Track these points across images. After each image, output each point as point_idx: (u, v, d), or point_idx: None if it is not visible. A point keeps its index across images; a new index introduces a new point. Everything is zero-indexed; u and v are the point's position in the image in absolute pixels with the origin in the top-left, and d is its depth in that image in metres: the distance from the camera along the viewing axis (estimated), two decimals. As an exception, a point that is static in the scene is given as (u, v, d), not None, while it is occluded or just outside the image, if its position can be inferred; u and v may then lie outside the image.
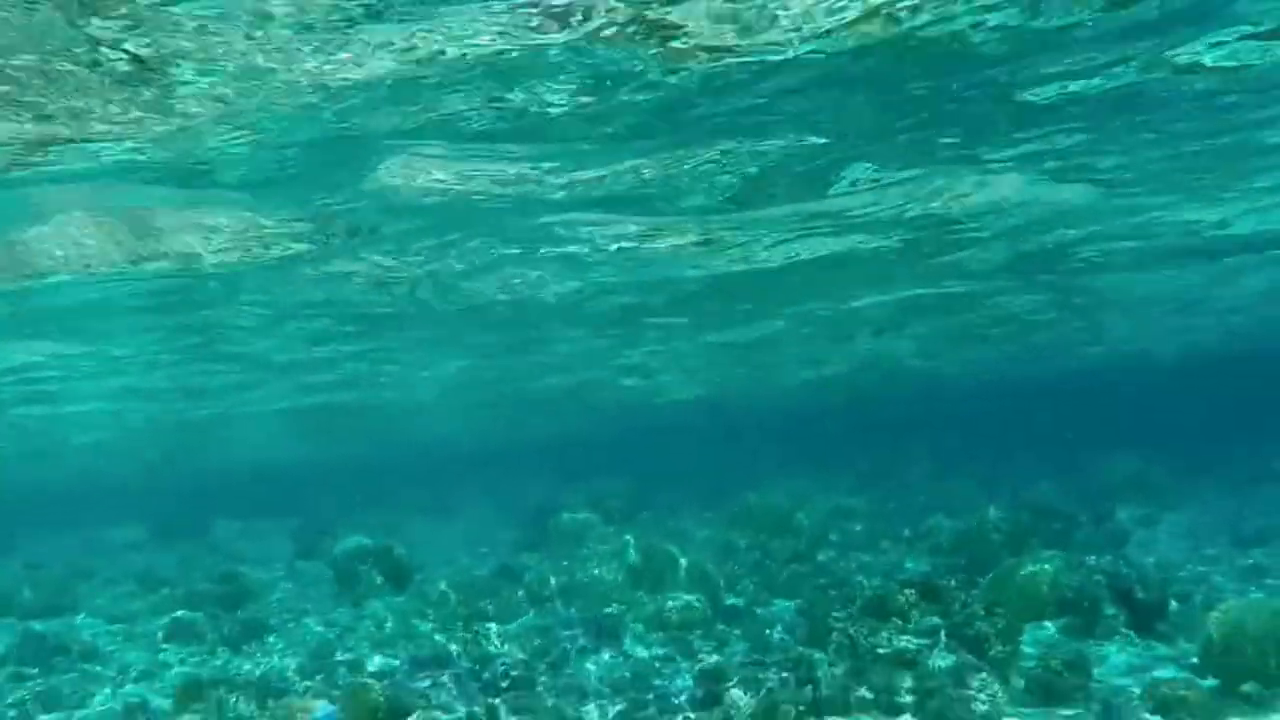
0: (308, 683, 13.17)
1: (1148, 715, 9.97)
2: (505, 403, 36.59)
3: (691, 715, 11.13)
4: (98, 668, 15.48)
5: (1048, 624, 14.49)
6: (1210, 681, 11.31)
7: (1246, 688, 11.00)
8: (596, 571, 19.12)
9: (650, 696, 11.64)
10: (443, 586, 18.86)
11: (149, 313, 17.81)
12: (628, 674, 13.36)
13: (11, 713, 12.89)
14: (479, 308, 20.69)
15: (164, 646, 16.56)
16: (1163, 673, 12.06)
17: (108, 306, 16.88)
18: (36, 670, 15.20)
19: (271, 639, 16.68)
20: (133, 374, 24.13)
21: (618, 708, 11.55)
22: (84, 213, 12.51)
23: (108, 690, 14.07)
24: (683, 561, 18.88)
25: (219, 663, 15.26)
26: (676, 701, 11.50)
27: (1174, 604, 14.20)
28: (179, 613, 18.44)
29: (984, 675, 10.89)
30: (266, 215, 13.34)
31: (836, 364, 34.13)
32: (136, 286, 15.78)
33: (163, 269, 14.50)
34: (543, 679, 12.63)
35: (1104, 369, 45.18)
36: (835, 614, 13.02)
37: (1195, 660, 12.27)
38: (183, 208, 12.69)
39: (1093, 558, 16.38)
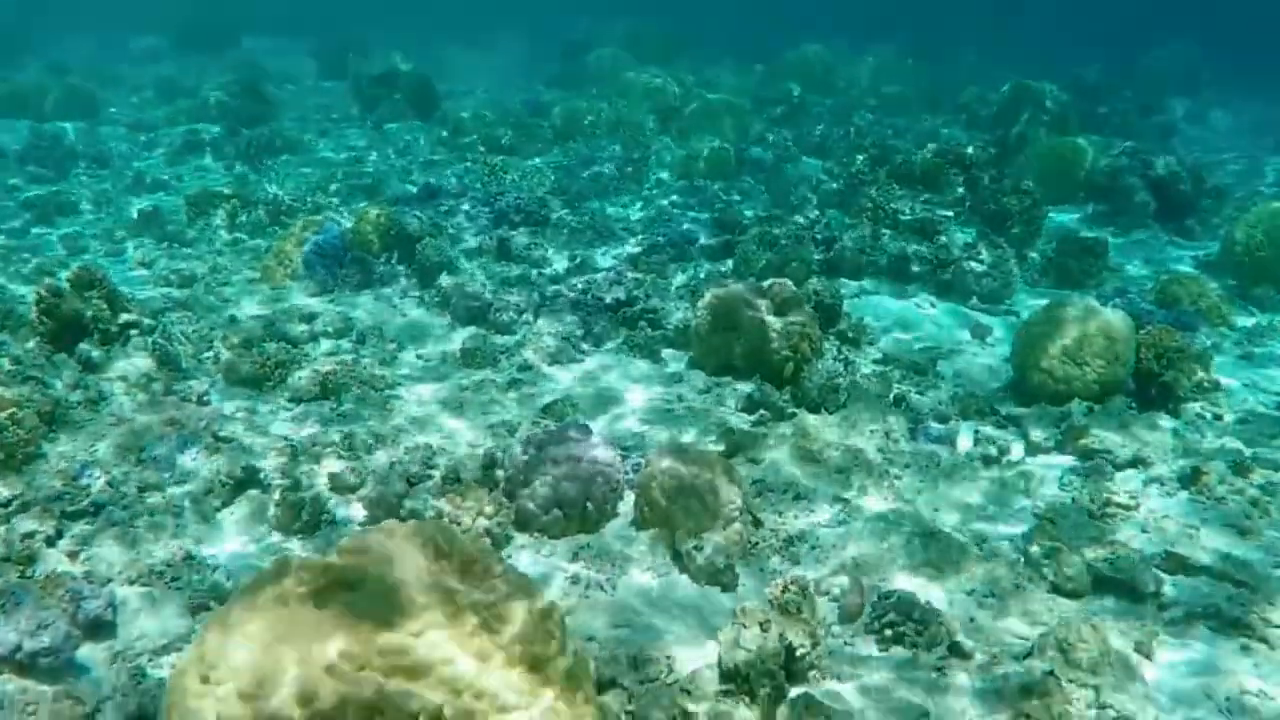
0: (320, 201, 13.20)
1: (1154, 307, 9.94)
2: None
3: (704, 263, 11.19)
4: (111, 174, 15.47)
5: (1075, 207, 14.26)
6: (1225, 281, 11.23)
7: (1259, 290, 10.93)
8: (625, 111, 18.71)
9: (662, 240, 11.63)
10: (466, 115, 18.53)
11: None
12: (647, 215, 13.37)
13: (28, 213, 12.99)
14: None
15: (181, 158, 16.46)
16: (1180, 267, 11.98)
17: None
18: (52, 173, 15.22)
19: (288, 156, 16.55)
20: None
21: (632, 250, 11.60)
22: None
23: (122, 196, 14.15)
24: (714, 109, 18.41)
25: (234, 177, 15.20)
26: (691, 248, 11.51)
27: (1207, 201, 13.86)
28: (198, 125, 18.28)
29: (1001, 251, 10.80)
30: None
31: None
32: None
33: None
34: (560, 215, 12.61)
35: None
36: (863, 176, 12.76)
37: (1214, 258, 12.16)
38: None
39: (1132, 145, 15.85)
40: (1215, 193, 14.09)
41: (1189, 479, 6.74)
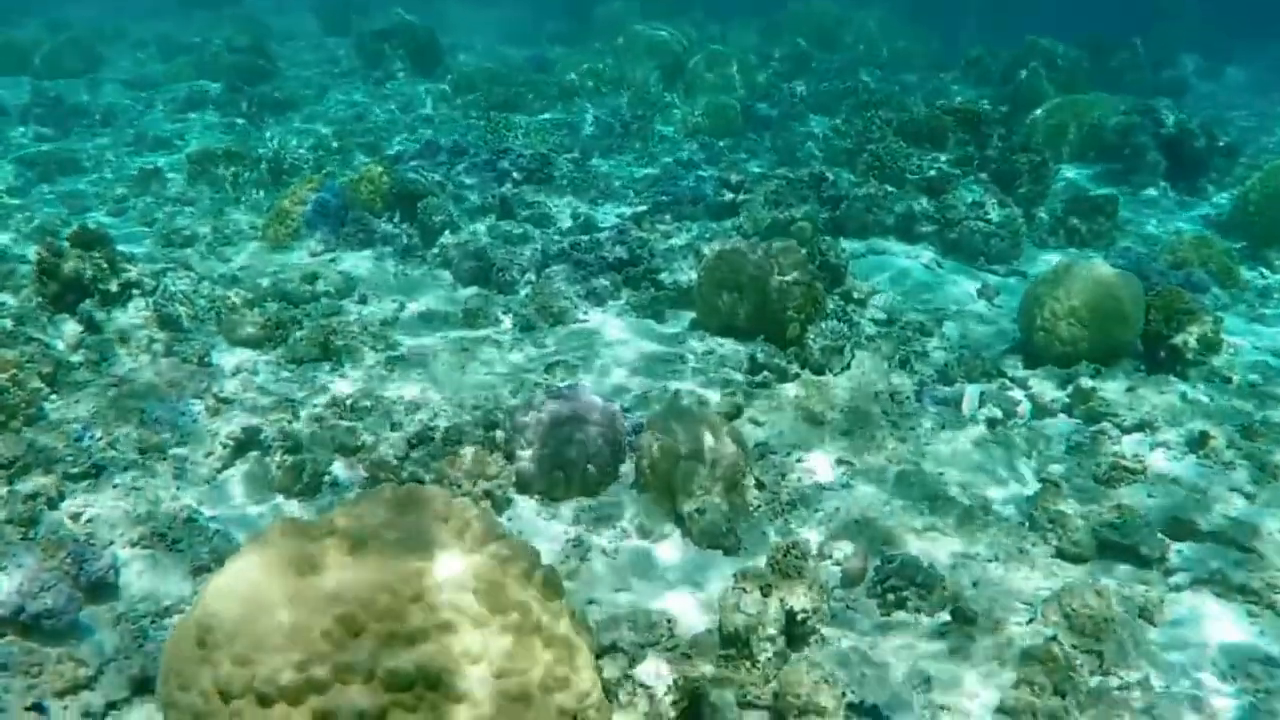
0: (322, 158, 13.09)
1: (1164, 267, 9.84)
2: None
3: (708, 222, 11.08)
4: (113, 131, 15.30)
5: (1085, 166, 14.10)
6: (1236, 241, 11.11)
7: (1270, 251, 10.83)
8: (630, 69, 18.51)
9: (667, 198, 11.52)
10: (470, 72, 18.35)
11: None
12: (652, 173, 13.24)
13: (30, 172, 12.85)
14: None
15: (183, 116, 16.29)
16: (1191, 227, 11.85)
17: None
18: (53, 131, 15.06)
19: (290, 114, 16.37)
20: None
21: (636, 208, 11.50)
22: None
23: (123, 154, 14.01)
24: (720, 65, 18.19)
25: (236, 134, 15.00)
26: (695, 206, 11.39)
27: (1219, 159, 13.68)
28: (200, 82, 18.06)
29: (1009, 211, 10.68)
30: None
31: None
32: None
33: None
34: (564, 173, 12.49)
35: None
36: (870, 133, 12.61)
37: (1225, 218, 12.03)
38: None
39: (1144, 102, 15.63)
40: (1227, 151, 13.90)
41: (1196, 443, 6.69)
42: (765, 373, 7.49)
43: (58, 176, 12.82)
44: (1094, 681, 4.58)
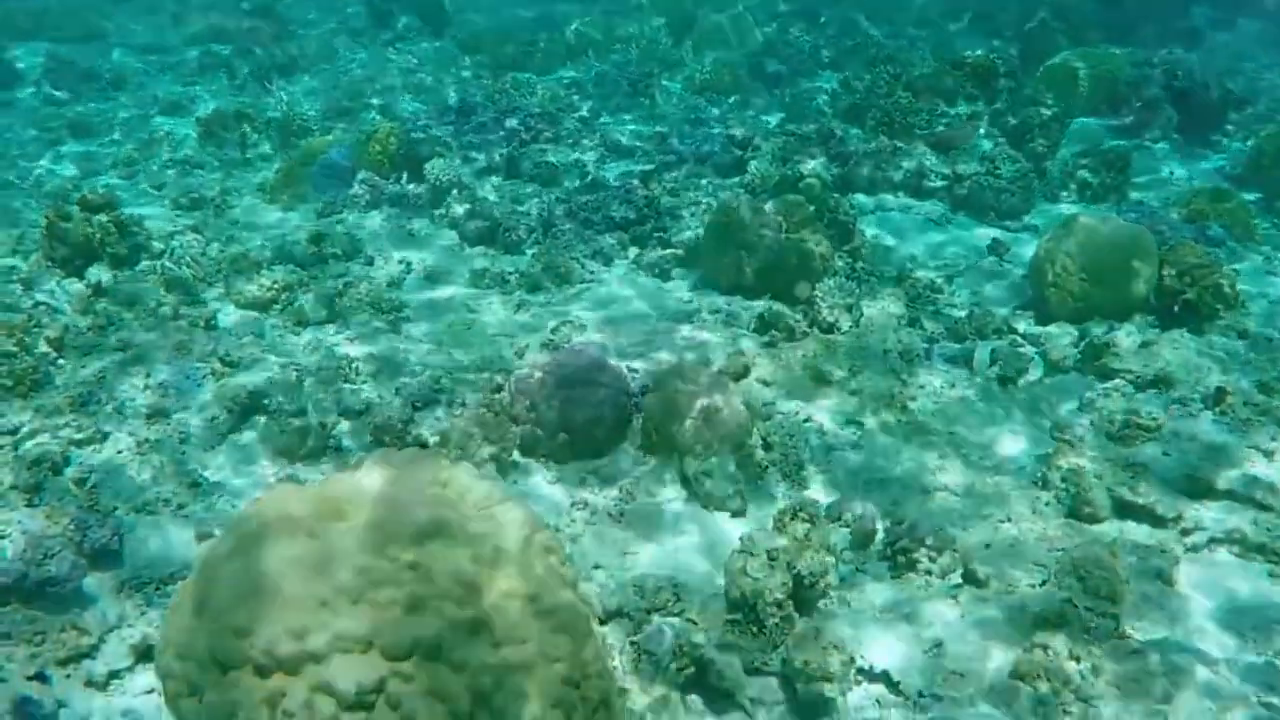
0: (331, 119, 12.98)
1: (1178, 221, 9.68)
2: None
3: (716, 179, 10.94)
4: (125, 94, 15.17)
5: (1097, 118, 13.87)
6: (1250, 194, 10.92)
7: (1288, 204, 10.65)
8: (639, 24, 18.27)
9: (673, 158, 11.38)
10: (479, 31, 18.15)
11: None
12: (660, 130, 13.07)
13: (43, 135, 12.73)
14: None
15: (193, 78, 16.13)
16: (1205, 179, 11.65)
17: None
18: (66, 94, 14.95)
19: (299, 78, 16.19)
20: None
21: (644, 166, 11.36)
22: None
23: (134, 117, 13.89)
24: (729, 19, 17.93)
25: (247, 97, 14.82)
26: (703, 165, 11.24)
27: (1232, 112, 13.44)
28: (211, 44, 17.84)
29: (1020, 165, 10.52)
30: None
31: None
32: None
33: None
34: (571, 131, 12.35)
35: None
36: (878, 89, 12.43)
37: (1240, 171, 11.83)
38: None
39: (1155, 53, 15.35)
40: (1240, 103, 13.65)
41: (1213, 399, 6.59)
42: (773, 331, 7.40)
43: (69, 140, 12.76)
44: (1109, 644, 4.52)
